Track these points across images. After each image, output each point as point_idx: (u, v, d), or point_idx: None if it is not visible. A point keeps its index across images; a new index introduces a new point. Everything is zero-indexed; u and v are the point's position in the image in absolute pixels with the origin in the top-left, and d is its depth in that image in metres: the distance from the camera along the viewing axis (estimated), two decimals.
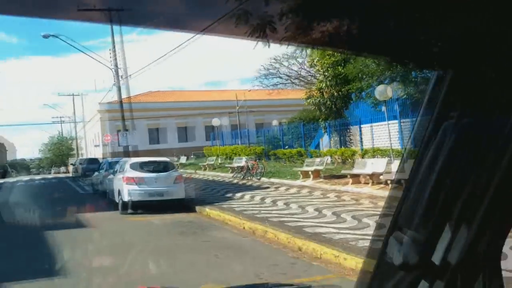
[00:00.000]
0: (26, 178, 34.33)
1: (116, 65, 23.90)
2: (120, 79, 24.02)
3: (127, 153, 24.14)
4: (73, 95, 48.67)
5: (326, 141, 26.34)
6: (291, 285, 1.97)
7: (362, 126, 21.00)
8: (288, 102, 51.00)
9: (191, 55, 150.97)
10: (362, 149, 18.34)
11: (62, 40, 22.59)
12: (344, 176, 15.21)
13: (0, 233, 10.34)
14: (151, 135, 47.27)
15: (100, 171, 17.57)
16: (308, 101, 22.45)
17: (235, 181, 18.99)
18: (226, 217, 10.67)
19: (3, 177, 44.78)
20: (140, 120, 45.40)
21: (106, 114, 44.79)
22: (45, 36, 22.60)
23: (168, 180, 12.64)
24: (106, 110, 44.75)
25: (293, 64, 37.61)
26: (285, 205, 11.61)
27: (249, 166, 19.13)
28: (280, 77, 38.90)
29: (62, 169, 54.98)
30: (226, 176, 21.20)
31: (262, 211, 10.87)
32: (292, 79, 39.16)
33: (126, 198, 12.16)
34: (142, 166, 13.06)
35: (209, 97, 53.75)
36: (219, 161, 26.44)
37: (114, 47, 23.88)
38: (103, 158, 32.56)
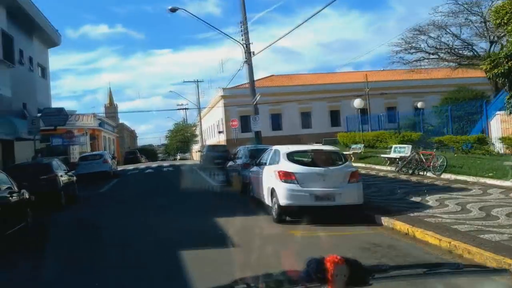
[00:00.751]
0: (154, 164, 33.67)
1: (247, 40, 20.79)
2: (250, 55, 20.85)
3: (257, 139, 21.07)
4: (197, 81, 47.92)
5: (496, 125, 20.43)
6: (486, 267, 1.98)
7: None
8: (426, 82, 44.43)
9: (301, 42, 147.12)
10: None
11: (189, 13, 20.14)
12: None
13: (113, 253, 7.37)
14: (273, 121, 44.37)
15: (236, 160, 14.49)
16: (496, 70, 16.77)
17: (403, 176, 14.44)
18: (455, 244, 6.40)
19: (134, 162, 45.85)
20: (262, 105, 42.75)
21: (230, 100, 42.99)
22: (172, 10, 20.32)
23: (340, 178, 8.71)
24: (229, 95, 42.91)
25: (445, 34, 31.11)
26: None
27: (421, 158, 14.45)
28: (425, 51, 32.62)
29: (187, 155, 55.38)
30: (384, 170, 16.72)
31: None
32: (441, 53, 32.46)
33: (283, 201, 8.54)
34: (301, 157, 9.36)
35: (333, 80, 49.20)
36: (363, 150, 21.97)
37: (245, 19, 20.77)
38: (225, 144, 30.28)
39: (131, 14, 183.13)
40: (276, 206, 8.79)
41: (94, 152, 23.56)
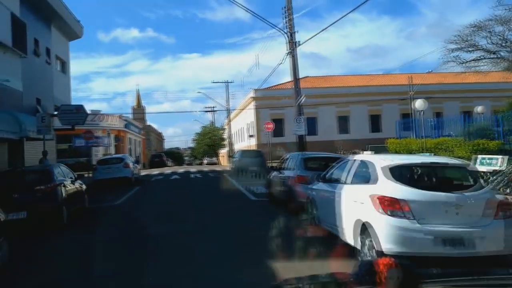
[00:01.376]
0: (181, 169, 30.67)
1: (291, 28, 17.55)
2: (295, 46, 17.59)
3: (300, 146, 17.78)
4: (226, 82, 44.99)
5: None
6: None
7: None
8: (476, 86, 40.46)
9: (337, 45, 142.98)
10: None
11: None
12: None
13: None
14: (307, 125, 40.97)
15: (284, 171, 11.18)
16: None
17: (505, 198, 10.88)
18: None
19: (159, 166, 43.26)
20: (290, 108, 39.43)
21: (262, 102, 39.85)
22: None
23: (480, 210, 5.32)
24: (261, 97, 39.78)
25: (507, 31, 26.98)
26: None
27: None
28: (486, 50, 28.53)
29: (214, 159, 52.47)
30: None
31: None
32: (503, 51, 28.27)
33: (388, 246, 5.18)
34: (411, 175, 6.00)
35: (374, 82, 45.52)
36: None
37: (290, 3, 17.53)
38: (259, 150, 26.96)
39: (161, 19, 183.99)
40: (372, 251, 5.43)
41: (114, 155, 20.70)
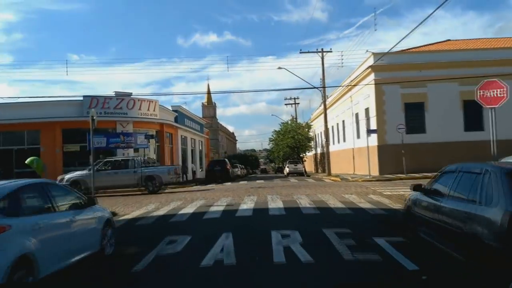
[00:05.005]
0: (248, 202, 12.85)
1: None
2: None
3: None
4: (321, 51, 28.32)
5: None
6: None
7: None
8: None
9: None
10: None
11: None
12: None
13: None
14: (466, 114, 23.02)
15: None
16: None
17: None
18: None
19: (221, 179, 27.27)
20: (441, 84, 22.13)
21: (387, 75, 22.78)
22: None
23: None
24: (387, 66, 22.67)
25: None
26: None
27: None
28: None
29: (299, 166, 36.21)
30: None
31: None
32: None
33: None
34: None
35: None
36: None
37: None
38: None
39: (237, 23, 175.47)
40: None
41: None
